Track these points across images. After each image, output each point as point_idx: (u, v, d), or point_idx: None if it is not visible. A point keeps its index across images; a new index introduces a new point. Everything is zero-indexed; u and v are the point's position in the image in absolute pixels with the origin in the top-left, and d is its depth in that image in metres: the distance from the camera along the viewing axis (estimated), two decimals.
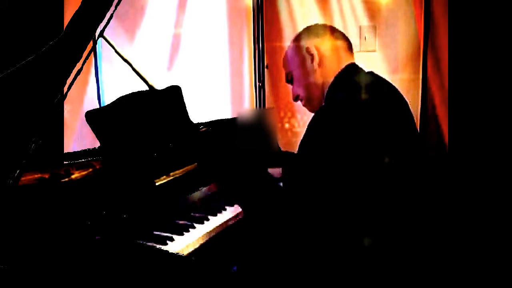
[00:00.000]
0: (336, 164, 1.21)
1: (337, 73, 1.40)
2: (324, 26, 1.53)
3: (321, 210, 1.22)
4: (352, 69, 1.41)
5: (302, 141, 1.31)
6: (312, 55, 1.42)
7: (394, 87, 1.41)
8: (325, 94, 1.41)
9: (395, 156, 1.24)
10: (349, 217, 1.21)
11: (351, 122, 1.23)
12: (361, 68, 1.43)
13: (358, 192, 1.21)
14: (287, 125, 2.75)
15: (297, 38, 1.48)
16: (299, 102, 1.53)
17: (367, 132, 1.23)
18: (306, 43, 1.44)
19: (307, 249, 1.26)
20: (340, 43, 1.45)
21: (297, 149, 1.34)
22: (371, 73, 1.42)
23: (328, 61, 1.42)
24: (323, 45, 1.43)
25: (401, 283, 1.25)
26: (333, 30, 1.49)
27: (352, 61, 1.44)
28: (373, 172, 1.22)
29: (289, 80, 1.52)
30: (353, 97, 1.32)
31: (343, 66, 1.41)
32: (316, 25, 1.53)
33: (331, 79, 1.40)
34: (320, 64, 1.42)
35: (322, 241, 1.24)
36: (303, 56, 1.44)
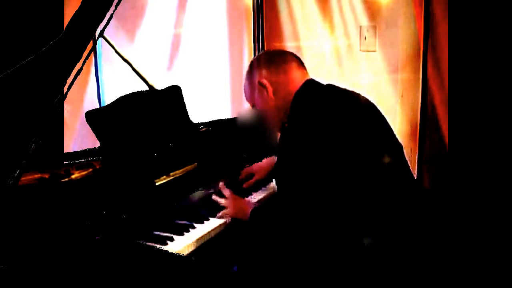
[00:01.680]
0: (314, 171, 1.29)
1: (294, 93, 1.44)
2: (269, 53, 1.60)
3: (308, 211, 1.30)
4: (310, 84, 1.46)
5: (281, 158, 1.40)
6: (265, 86, 1.48)
7: (356, 94, 1.47)
8: (287, 113, 1.47)
9: (366, 158, 1.30)
10: (335, 217, 1.28)
11: (320, 130, 1.31)
12: (318, 82, 1.48)
13: (337, 197, 1.28)
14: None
15: (248, 73, 1.55)
16: None
17: (336, 137, 1.30)
18: (256, 77, 1.50)
19: (303, 249, 1.27)
20: (288, 65, 1.49)
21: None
22: (329, 85, 1.47)
23: (281, 87, 1.47)
24: (273, 74, 1.48)
25: (395, 283, 1.26)
26: (279, 54, 1.54)
27: (307, 78, 1.49)
28: (346, 174, 1.28)
29: (254, 107, 1.58)
30: (318, 107, 1.38)
31: (299, 85, 1.45)
32: (262, 55, 1.60)
33: (289, 100, 1.45)
34: (275, 92, 1.47)
35: (315, 241, 1.26)
36: (258, 89, 1.50)
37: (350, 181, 1.26)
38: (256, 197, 1.78)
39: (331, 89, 1.46)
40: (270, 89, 1.47)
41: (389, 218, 1.28)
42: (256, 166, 1.89)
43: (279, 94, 1.47)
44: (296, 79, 1.47)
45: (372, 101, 1.48)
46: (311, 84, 1.47)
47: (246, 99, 1.60)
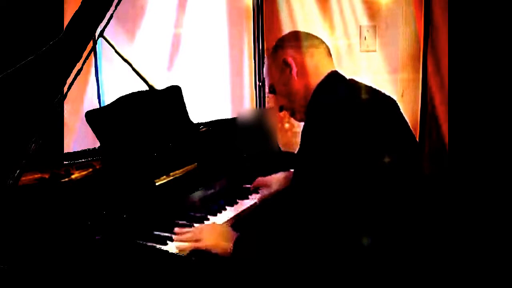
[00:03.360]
0: (335, 168, 1.21)
1: (319, 81, 1.37)
2: (300, 33, 1.49)
3: (324, 211, 1.22)
4: (335, 77, 1.40)
5: (300, 151, 1.30)
6: (290, 65, 1.39)
7: (379, 91, 1.41)
8: (307, 102, 1.39)
9: (388, 157, 1.25)
10: (349, 218, 1.22)
11: (343, 125, 1.23)
12: (342, 75, 1.41)
13: (357, 193, 1.22)
14: (287, 125, 2.75)
15: (274, 49, 1.46)
16: None
17: (360, 135, 1.23)
18: (282, 54, 1.42)
19: (309, 250, 1.25)
20: (318, 50, 1.43)
21: (296, 150, 1.34)
22: (353, 80, 1.41)
23: (307, 70, 1.39)
24: (300, 55, 1.40)
25: (400, 283, 1.25)
26: (309, 37, 1.46)
27: (333, 69, 1.42)
28: (370, 173, 1.22)
29: (272, 91, 1.50)
30: (343, 101, 1.31)
31: (324, 73, 1.39)
32: (291, 34, 1.50)
33: (313, 87, 1.38)
34: (298, 74, 1.39)
35: (325, 241, 1.24)
36: (281, 68, 1.41)
37: (371, 180, 1.21)
38: (256, 197, 1.77)
39: (356, 84, 1.39)
40: (294, 69, 1.39)
41: (403, 218, 1.26)
42: (272, 178, 1.79)
43: (303, 77, 1.39)
44: (323, 67, 1.40)
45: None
46: (336, 76, 1.40)
47: (265, 77, 1.53)
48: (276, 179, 1.79)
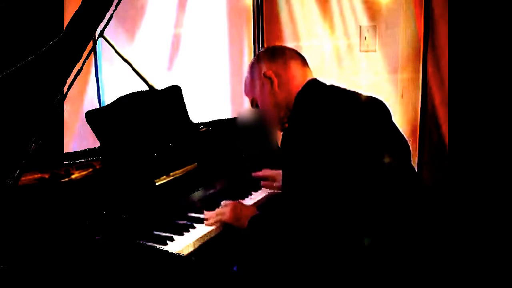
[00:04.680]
0: (319, 175, 1.26)
1: (297, 90, 1.42)
2: (275, 47, 1.57)
3: (313, 212, 1.27)
4: (314, 84, 1.45)
5: (285, 160, 1.37)
6: (270, 79, 1.45)
7: (361, 94, 1.45)
8: (289, 112, 1.45)
9: (373, 159, 1.28)
10: (339, 218, 1.25)
11: (326, 132, 1.28)
12: (322, 82, 1.46)
13: (342, 198, 1.25)
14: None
15: (252, 66, 1.53)
16: None
17: (342, 139, 1.27)
18: (262, 68, 1.48)
19: (306, 249, 1.26)
20: (294, 61, 1.48)
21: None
22: (333, 85, 1.45)
23: (286, 81, 1.45)
24: (279, 67, 1.46)
25: (397, 284, 1.25)
26: (284, 50, 1.52)
27: (311, 77, 1.47)
28: (354, 177, 1.26)
29: (255, 105, 1.55)
30: (322, 108, 1.36)
31: (303, 82, 1.44)
32: (267, 49, 1.57)
33: (293, 97, 1.43)
34: (279, 85, 1.45)
35: (318, 242, 1.25)
36: (262, 82, 1.48)
37: (355, 183, 1.25)
38: (256, 197, 1.77)
39: (334, 90, 1.44)
40: (275, 81, 1.45)
41: (392, 219, 1.28)
42: (278, 174, 1.81)
43: (284, 88, 1.45)
44: (300, 76, 1.46)
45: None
46: (315, 83, 1.45)
47: (246, 93, 1.58)
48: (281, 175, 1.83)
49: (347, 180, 1.25)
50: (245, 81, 1.57)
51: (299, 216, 1.29)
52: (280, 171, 1.84)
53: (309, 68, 1.51)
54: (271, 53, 1.51)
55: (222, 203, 1.58)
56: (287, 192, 1.37)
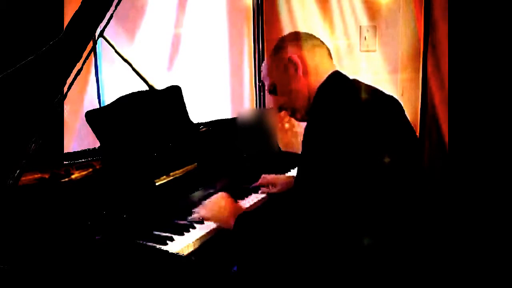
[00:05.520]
0: (339, 168, 1.21)
1: (321, 80, 1.38)
2: (302, 33, 1.49)
3: (326, 210, 1.22)
4: (338, 77, 1.40)
5: (304, 153, 1.29)
6: (295, 64, 1.39)
7: (381, 91, 1.41)
8: (311, 102, 1.39)
9: (391, 157, 1.25)
10: (352, 218, 1.21)
11: (347, 125, 1.23)
12: (345, 75, 1.42)
13: (362, 195, 1.21)
14: (287, 125, 2.75)
15: (278, 48, 1.46)
16: None
17: (362, 135, 1.22)
18: (288, 52, 1.41)
19: (310, 249, 1.25)
20: (321, 50, 1.44)
21: (296, 150, 1.35)
22: (356, 80, 1.41)
23: (311, 69, 1.39)
24: (305, 53, 1.40)
25: (403, 284, 1.25)
26: (313, 38, 1.46)
27: (335, 69, 1.42)
28: (373, 173, 1.22)
29: (272, 91, 1.49)
30: (346, 100, 1.31)
31: (327, 74, 1.39)
32: (294, 33, 1.50)
33: (315, 87, 1.38)
34: (304, 72, 1.39)
35: (326, 242, 1.23)
36: (286, 66, 1.41)
37: (373, 181, 1.21)
38: (255, 198, 1.77)
39: (357, 85, 1.39)
40: (300, 67, 1.39)
41: (404, 219, 1.26)
42: (278, 178, 1.84)
43: (307, 76, 1.39)
44: (325, 66, 1.41)
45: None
46: (339, 76, 1.40)
47: (265, 76, 1.49)
48: (281, 180, 1.83)
49: (364, 178, 1.20)
50: (266, 63, 1.49)
51: (310, 212, 1.24)
52: (279, 176, 1.86)
53: (332, 60, 1.46)
54: (299, 37, 1.44)
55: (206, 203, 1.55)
56: (301, 187, 1.30)
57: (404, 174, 1.28)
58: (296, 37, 1.45)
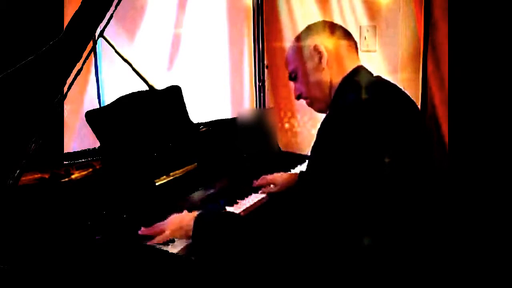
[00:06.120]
0: (355, 167, 1.17)
1: (345, 74, 1.35)
2: (332, 24, 1.45)
3: (335, 210, 1.20)
4: (362, 72, 1.37)
5: (316, 145, 1.25)
6: (320, 53, 1.36)
7: (403, 91, 1.37)
8: (332, 94, 1.36)
9: (408, 160, 1.22)
10: (363, 218, 1.19)
11: (359, 125, 1.19)
12: (369, 71, 1.38)
13: (376, 195, 1.18)
14: (287, 125, 2.75)
15: (304, 35, 1.42)
16: (299, 102, 1.50)
17: (375, 135, 1.19)
18: (314, 40, 1.38)
19: (313, 250, 1.24)
20: (348, 43, 1.40)
21: (296, 150, 1.34)
22: (379, 77, 1.38)
23: (336, 61, 1.36)
24: (331, 44, 1.37)
25: (406, 285, 1.25)
26: (341, 29, 1.43)
27: (360, 63, 1.39)
28: (385, 174, 1.19)
29: (293, 77, 1.45)
30: (360, 100, 1.27)
31: (351, 67, 1.36)
32: (323, 22, 1.45)
33: (339, 79, 1.35)
34: (328, 63, 1.36)
35: (333, 242, 1.22)
36: (310, 54, 1.37)
37: (389, 181, 1.18)
38: (255, 198, 1.77)
39: (382, 81, 1.36)
40: (325, 57, 1.35)
41: (420, 221, 1.25)
42: (276, 177, 1.81)
43: (331, 67, 1.35)
44: (351, 60, 1.37)
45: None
46: (363, 71, 1.36)
47: (287, 64, 1.45)
48: (282, 178, 1.81)
49: (375, 179, 1.17)
50: (290, 50, 1.45)
51: (318, 209, 1.19)
52: (279, 174, 1.84)
53: (358, 55, 1.42)
54: (326, 27, 1.40)
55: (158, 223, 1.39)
56: (309, 183, 1.25)
57: (417, 177, 1.26)
58: (325, 26, 1.41)
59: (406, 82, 2.42)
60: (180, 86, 1.82)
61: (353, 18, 2.50)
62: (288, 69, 1.46)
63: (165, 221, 1.37)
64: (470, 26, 1.33)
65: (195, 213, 1.34)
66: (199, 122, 1.90)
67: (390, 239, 1.21)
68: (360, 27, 2.49)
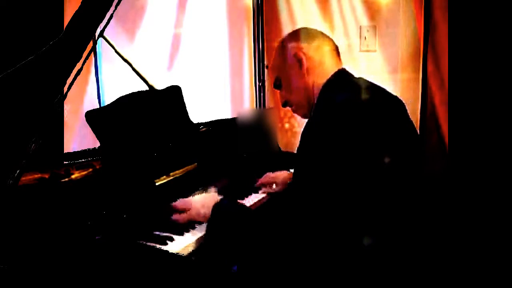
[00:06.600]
0: (338, 167, 1.20)
1: (327, 78, 1.37)
2: (312, 30, 1.48)
3: (324, 211, 1.21)
4: (343, 75, 1.39)
5: (301, 149, 1.29)
6: (300, 60, 1.38)
7: (387, 90, 1.39)
8: (315, 99, 1.39)
9: (395, 157, 1.24)
10: (351, 218, 1.21)
11: (350, 124, 1.21)
12: (351, 74, 1.41)
13: (361, 194, 1.20)
14: (287, 125, 2.75)
15: (284, 43, 1.44)
16: None
17: (366, 134, 1.21)
18: (294, 48, 1.40)
19: (308, 249, 1.25)
20: (328, 48, 1.42)
21: (296, 150, 1.34)
22: (362, 78, 1.40)
23: (317, 67, 1.39)
24: (311, 50, 1.39)
25: (402, 284, 1.25)
26: (320, 34, 1.45)
27: (342, 67, 1.41)
28: (375, 174, 1.21)
29: (278, 85, 1.48)
30: (350, 99, 1.29)
31: (333, 71, 1.38)
32: (303, 29, 1.48)
33: (321, 84, 1.37)
34: (308, 69, 1.38)
35: (325, 241, 1.23)
36: (291, 61, 1.40)
37: (374, 181, 1.20)
38: (255, 198, 1.77)
39: (362, 84, 1.38)
40: (305, 65, 1.38)
41: (404, 220, 1.26)
42: (278, 175, 1.82)
43: (312, 74, 1.38)
44: (332, 65, 1.40)
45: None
46: (344, 75, 1.39)
47: (271, 70, 1.49)
48: (283, 177, 1.82)
49: (364, 178, 1.19)
50: (274, 57, 1.48)
51: (305, 211, 1.23)
52: (280, 173, 1.85)
53: (341, 59, 1.45)
54: (306, 33, 1.43)
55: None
56: (296, 188, 1.29)
57: (405, 175, 1.28)
58: (305, 34, 1.43)
59: (406, 82, 2.42)
60: (180, 86, 1.82)
61: (353, 18, 2.51)
62: (273, 76, 1.50)
63: (193, 199, 1.47)
64: (470, 26, 1.33)
65: (218, 199, 1.42)
66: (199, 122, 1.90)
67: (380, 238, 1.22)
68: (360, 27, 2.49)
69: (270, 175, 1.84)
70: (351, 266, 1.22)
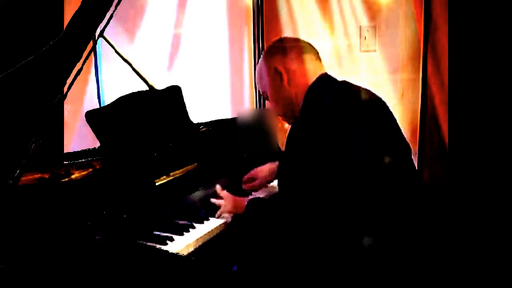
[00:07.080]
0: (321, 170, 1.25)
1: (308, 85, 1.40)
2: (288, 40, 1.53)
3: (311, 211, 1.26)
4: (325, 80, 1.42)
5: (285, 153, 1.35)
6: (280, 74, 1.42)
7: (370, 91, 1.42)
8: (300, 107, 1.42)
9: (377, 159, 1.27)
10: (338, 217, 1.24)
11: (331, 126, 1.26)
12: (333, 78, 1.44)
13: (345, 192, 1.24)
14: (287, 125, 2.75)
15: (265, 57, 1.48)
16: None
17: (348, 135, 1.26)
18: (273, 62, 1.44)
19: (303, 248, 1.26)
20: (307, 55, 1.45)
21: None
22: (344, 81, 1.43)
23: (297, 77, 1.42)
24: (290, 62, 1.43)
25: (394, 283, 1.25)
26: (297, 43, 1.48)
27: (323, 72, 1.44)
28: (356, 173, 1.25)
29: (266, 97, 1.53)
30: (331, 102, 1.34)
31: (314, 78, 1.41)
32: (280, 41, 1.52)
33: (303, 92, 1.40)
34: (290, 81, 1.42)
35: (315, 240, 1.25)
36: (272, 76, 1.44)
37: (356, 183, 1.24)
38: (256, 196, 1.77)
39: (343, 87, 1.41)
40: (285, 77, 1.42)
41: (393, 219, 1.27)
42: (258, 171, 1.84)
43: (294, 84, 1.42)
44: (312, 71, 1.42)
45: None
46: (326, 79, 1.42)
47: (258, 85, 1.54)
48: (262, 172, 1.84)
49: (347, 180, 1.24)
50: (257, 73, 1.53)
51: (294, 213, 1.28)
52: (259, 168, 1.86)
53: (321, 62, 1.48)
54: (284, 46, 1.46)
55: (222, 194, 1.62)
56: (284, 188, 1.35)
57: (389, 174, 1.30)
58: (282, 46, 1.47)
59: (406, 82, 2.42)
60: (180, 86, 1.82)
61: (353, 18, 2.50)
62: (260, 89, 1.55)
63: (226, 200, 1.58)
64: (470, 26, 1.33)
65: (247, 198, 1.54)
66: (199, 122, 1.90)
67: (379, 238, 1.23)
68: (360, 27, 2.49)
69: (252, 172, 1.85)
70: (347, 265, 1.23)
